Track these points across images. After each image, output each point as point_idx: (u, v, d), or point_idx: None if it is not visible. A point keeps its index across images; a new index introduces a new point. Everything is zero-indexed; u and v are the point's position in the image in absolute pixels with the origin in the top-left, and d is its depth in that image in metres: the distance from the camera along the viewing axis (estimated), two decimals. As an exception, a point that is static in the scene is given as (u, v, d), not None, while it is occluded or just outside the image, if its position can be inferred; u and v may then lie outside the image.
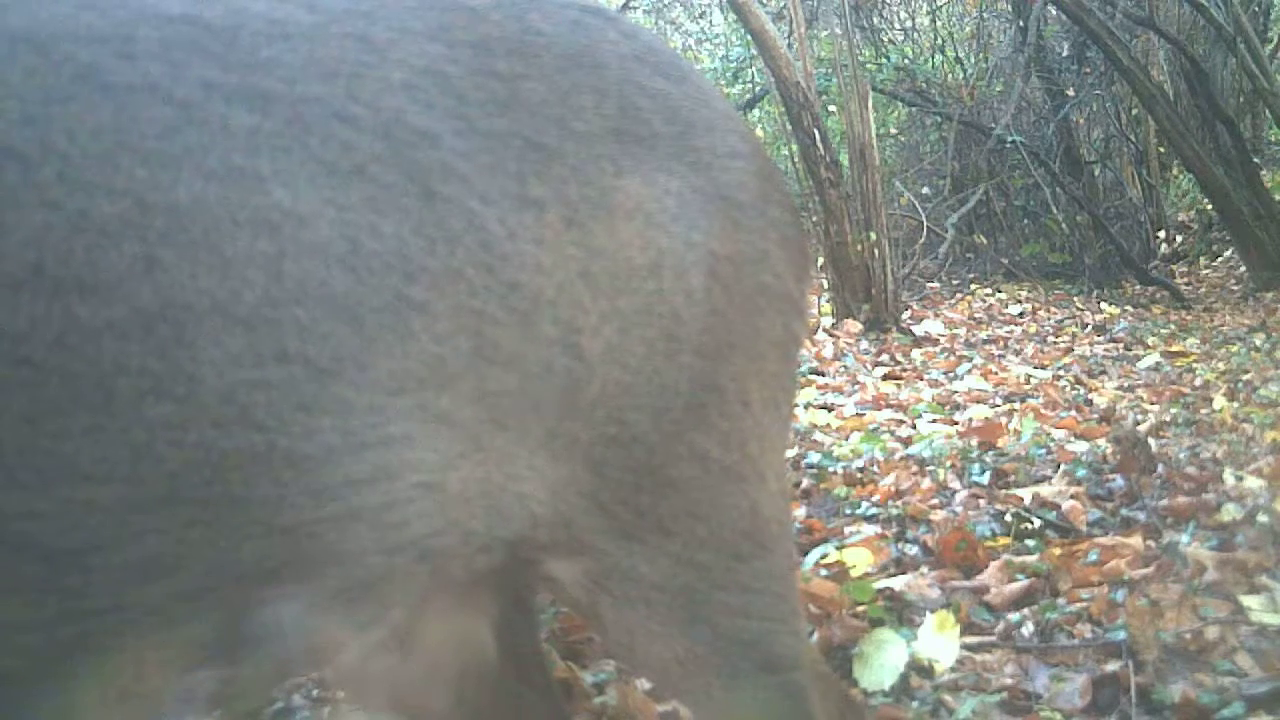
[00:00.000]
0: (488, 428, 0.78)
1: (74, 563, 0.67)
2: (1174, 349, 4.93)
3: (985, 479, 2.58)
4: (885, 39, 7.98)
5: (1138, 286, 6.97)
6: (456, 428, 0.77)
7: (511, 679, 1.05)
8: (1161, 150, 8.36)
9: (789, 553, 0.98)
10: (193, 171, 0.70)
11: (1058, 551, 2.07)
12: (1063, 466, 2.65)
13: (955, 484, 2.55)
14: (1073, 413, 3.45)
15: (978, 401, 3.67)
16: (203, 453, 0.69)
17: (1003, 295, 6.48)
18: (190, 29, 0.74)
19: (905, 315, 5.15)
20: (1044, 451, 2.82)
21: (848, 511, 2.38)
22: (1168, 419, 3.35)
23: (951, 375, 4.17)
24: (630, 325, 0.83)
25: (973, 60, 8.00)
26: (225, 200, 0.70)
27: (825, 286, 5.13)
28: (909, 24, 8.39)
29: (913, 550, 2.14)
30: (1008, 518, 2.28)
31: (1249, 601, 1.79)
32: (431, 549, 0.79)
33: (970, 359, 4.52)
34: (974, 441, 2.89)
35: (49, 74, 0.70)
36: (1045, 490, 2.44)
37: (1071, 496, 2.39)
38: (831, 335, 4.69)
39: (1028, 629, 1.79)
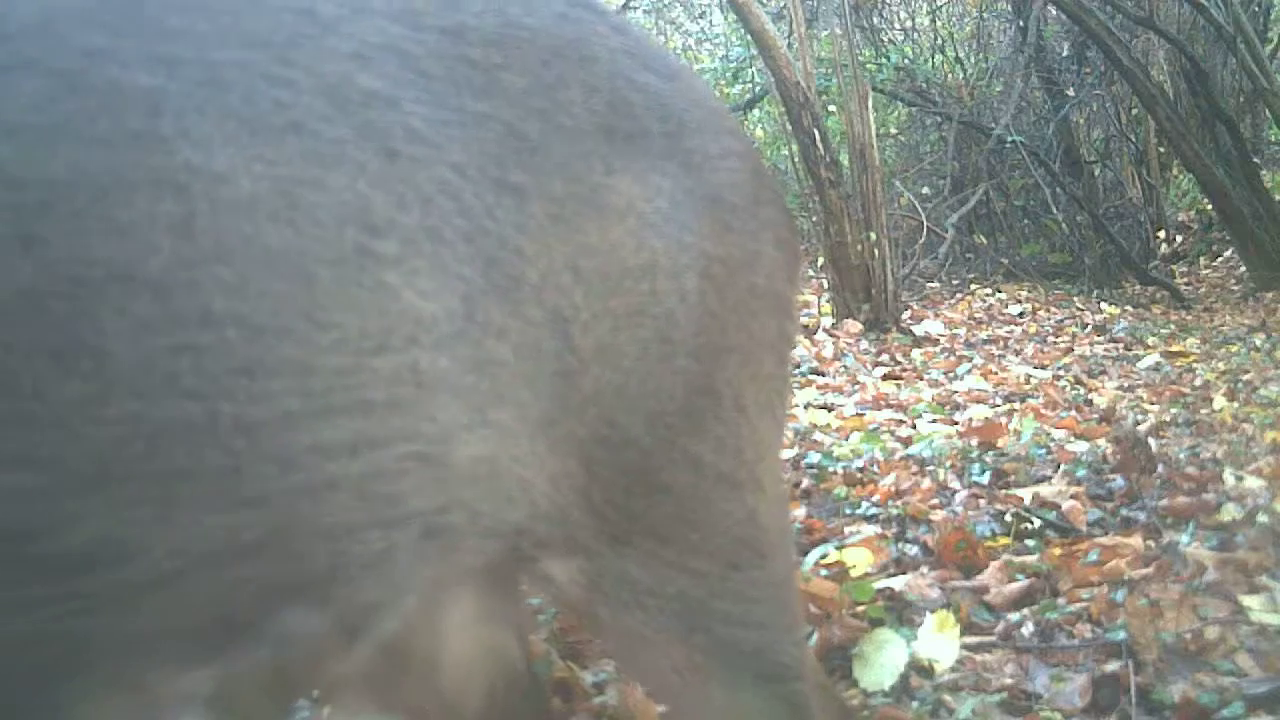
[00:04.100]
0: (490, 400, 0.75)
1: (11, 551, 0.65)
2: (1174, 349, 4.93)
3: (985, 479, 2.57)
4: (885, 39, 7.98)
5: (1138, 286, 6.97)
6: (459, 397, 0.74)
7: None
8: (1161, 150, 8.35)
9: (789, 560, 0.96)
10: (71, 141, 0.66)
11: (1058, 551, 2.07)
12: (1063, 466, 2.64)
13: (955, 484, 2.55)
14: (1073, 413, 3.45)
15: (978, 401, 3.67)
16: (129, 427, 0.65)
17: (1003, 295, 6.47)
18: (79, 2, 0.71)
19: (905, 315, 5.14)
20: (1044, 451, 2.81)
21: (848, 511, 2.38)
22: (1168, 419, 3.34)
23: (951, 375, 4.17)
24: (623, 326, 0.81)
25: (973, 60, 8.00)
26: (113, 165, 0.67)
27: (825, 286, 5.13)
28: (909, 24, 8.39)
29: (913, 550, 2.14)
30: (1008, 518, 2.27)
31: (1249, 601, 1.78)
32: (436, 526, 0.76)
33: (970, 359, 4.51)
34: (974, 441, 2.89)
35: None
36: (1045, 490, 2.43)
37: (1071, 496, 2.38)
38: (831, 335, 4.69)
39: (1028, 629, 1.79)
